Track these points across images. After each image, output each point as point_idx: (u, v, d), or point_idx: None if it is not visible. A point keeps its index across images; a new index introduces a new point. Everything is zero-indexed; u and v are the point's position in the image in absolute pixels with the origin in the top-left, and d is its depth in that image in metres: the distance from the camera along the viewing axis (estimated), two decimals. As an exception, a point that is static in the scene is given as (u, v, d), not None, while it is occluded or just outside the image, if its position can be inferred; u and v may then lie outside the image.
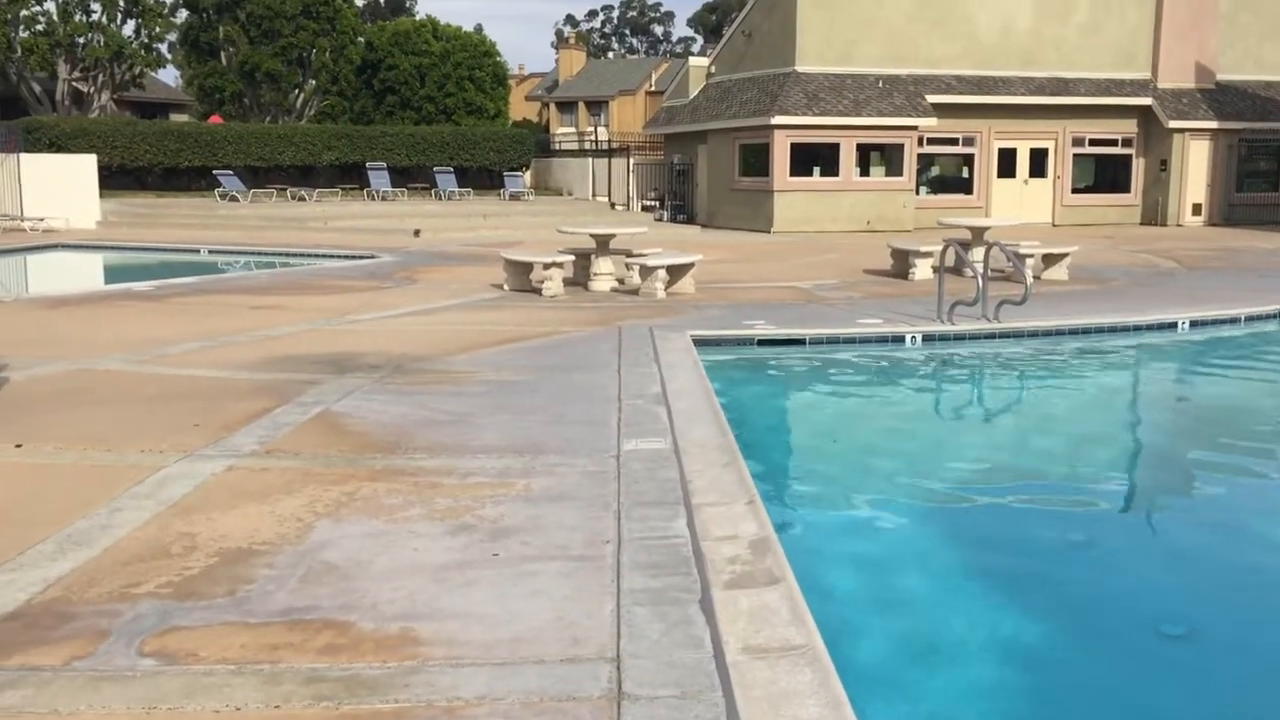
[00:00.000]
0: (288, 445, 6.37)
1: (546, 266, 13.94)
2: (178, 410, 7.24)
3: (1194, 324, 12.05)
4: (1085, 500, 6.84)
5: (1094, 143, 30.23)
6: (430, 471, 5.85)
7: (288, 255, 20.88)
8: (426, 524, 4.98)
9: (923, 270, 15.85)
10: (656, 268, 13.78)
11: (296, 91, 40.49)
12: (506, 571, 4.41)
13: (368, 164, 33.74)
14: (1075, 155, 30.16)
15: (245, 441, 6.41)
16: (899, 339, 10.97)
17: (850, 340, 10.91)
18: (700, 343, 10.29)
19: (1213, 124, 29.59)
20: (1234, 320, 12.33)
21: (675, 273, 14.16)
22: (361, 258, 19.77)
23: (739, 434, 7.12)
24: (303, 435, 6.62)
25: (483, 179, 35.98)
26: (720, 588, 4.09)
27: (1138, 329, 11.84)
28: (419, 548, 4.68)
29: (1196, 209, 30.09)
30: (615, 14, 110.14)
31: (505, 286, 14.57)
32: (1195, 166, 29.91)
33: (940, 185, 29.80)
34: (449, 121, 38.40)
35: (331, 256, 20.28)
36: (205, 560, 4.53)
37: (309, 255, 20.66)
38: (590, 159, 36.69)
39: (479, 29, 47.37)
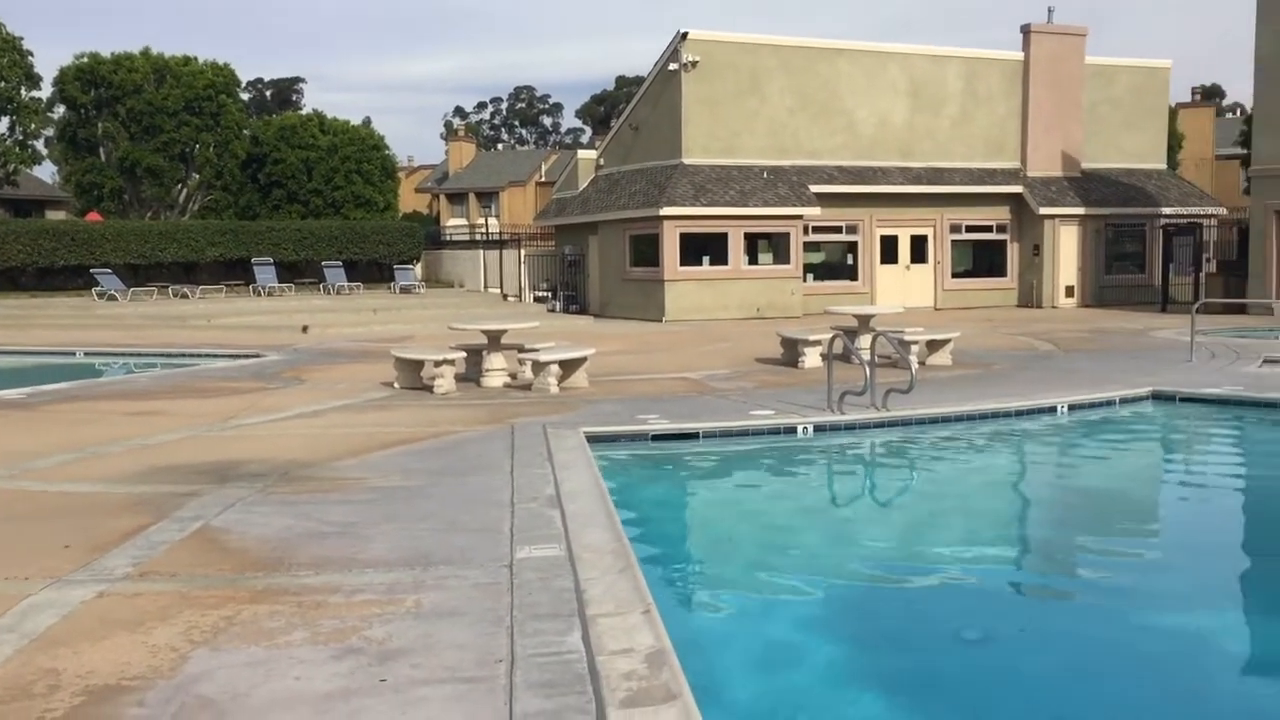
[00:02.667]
0: (164, 566, 6.09)
1: (438, 364, 13.79)
2: (46, 530, 6.89)
3: (1072, 407, 12.42)
4: (983, 587, 6.90)
5: (970, 229, 31.34)
6: (315, 590, 5.64)
7: (169, 356, 20.31)
8: (310, 649, 4.77)
9: (812, 358, 16.10)
10: (549, 363, 13.73)
11: (179, 186, 39.87)
12: (394, 699, 4.23)
13: (254, 259, 33.23)
14: (953, 241, 31.22)
15: (118, 563, 6.11)
16: (791, 430, 11.06)
17: (744, 433, 10.96)
18: (594, 439, 10.23)
19: (1080, 210, 30.97)
20: (1109, 403, 12.74)
21: (568, 367, 14.13)
22: (247, 357, 19.32)
23: (635, 534, 7.05)
24: (180, 554, 6.34)
25: (373, 272, 35.70)
26: (615, 707, 3.98)
27: (1020, 414, 12.15)
28: (301, 675, 4.47)
29: (1069, 291, 31.30)
30: (504, 105, 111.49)
31: (396, 384, 14.35)
32: (1066, 251, 31.19)
33: (827, 271, 30.50)
34: (337, 215, 38.14)
35: (215, 356, 19.78)
36: (70, 700, 4.26)
37: (191, 355, 20.12)
38: (482, 250, 36.74)
39: (367, 122, 47.48)
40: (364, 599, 5.47)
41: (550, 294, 33.26)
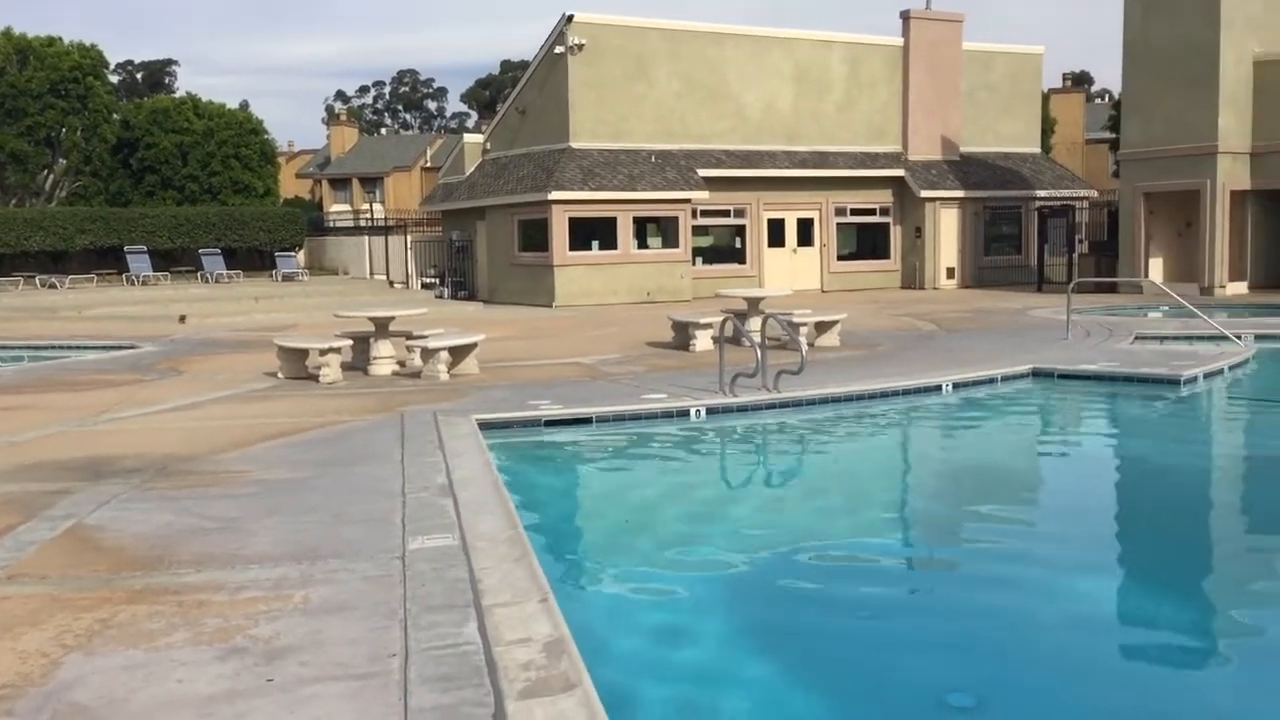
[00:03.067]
0: (33, 568, 5.79)
1: (323, 352, 13.45)
2: (-98, 534, 6.49)
3: (957, 385, 12.69)
4: (875, 564, 6.98)
5: (855, 212, 31.86)
6: (197, 588, 5.42)
7: (37, 349, 19.44)
8: (192, 650, 4.57)
9: (703, 341, 16.16)
10: (438, 349, 13.50)
11: (45, 173, 38.18)
12: (282, 699, 4.07)
13: (126, 248, 32.05)
14: (839, 224, 31.70)
15: (-18, 567, 5.79)
16: (684, 413, 11.06)
17: (637, 416, 10.92)
18: (486, 426, 10.09)
19: (960, 193, 31.71)
20: (992, 380, 13.06)
21: (458, 353, 13.92)
22: (121, 348, 18.61)
23: (530, 522, 6.96)
24: (51, 554, 6.04)
25: (253, 260, 34.75)
26: (514, 698, 3.89)
27: (907, 393, 12.36)
28: (183, 678, 4.28)
29: (950, 272, 32.05)
30: (387, 90, 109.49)
31: (280, 375, 13.96)
32: (946, 233, 31.92)
33: (715, 255, 30.70)
34: (215, 201, 36.98)
35: (87, 348, 19.00)
36: (-70, 714, 4.00)
37: (62, 347, 19.30)
38: (367, 237, 36.05)
39: (244, 105, 46.08)
40: (249, 596, 5.27)
41: (438, 280, 32.82)
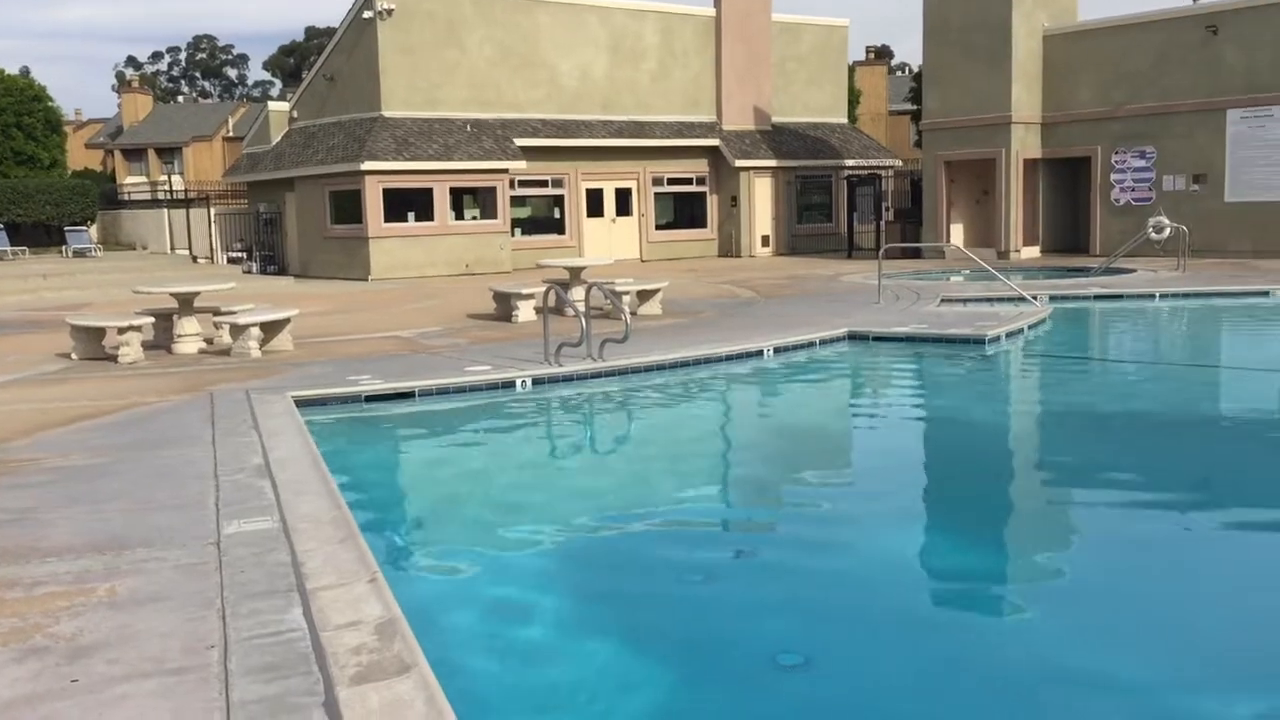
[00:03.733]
0: None
1: (122, 330, 12.67)
2: None
3: (777, 350, 12.93)
4: (704, 529, 7.02)
5: (672, 181, 32.12)
6: (-13, 587, 4.99)
7: None
8: (-16, 654, 4.19)
9: (525, 312, 15.98)
10: (249, 325, 12.91)
11: None
12: (89, 700, 3.77)
13: (-106, 223, 29.50)
14: (656, 194, 31.90)
15: None
16: (509, 384, 10.90)
17: (461, 389, 10.71)
18: (303, 404, 9.70)
19: (773, 162, 32.35)
20: (810, 344, 13.36)
21: (271, 329, 13.35)
22: (-109, 332, 17.12)
23: (355, 501, 6.70)
24: None
25: (39, 235, 32.56)
26: (346, 685, 3.71)
27: (729, 358, 12.52)
28: (-25, 686, 3.91)
29: (765, 240, 32.72)
30: (183, 56, 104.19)
31: (74, 355, 13.09)
32: (761, 202, 32.54)
33: (535, 226, 30.46)
34: (-5, 173, 34.39)
35: None
36: None
37: None
38: (166, 210, 34.22)
39: (25, 72, 43.02)
40: (48, 591, 4.88)
41: (245, 255, 31.46)
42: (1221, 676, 4.69)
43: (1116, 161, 26.71)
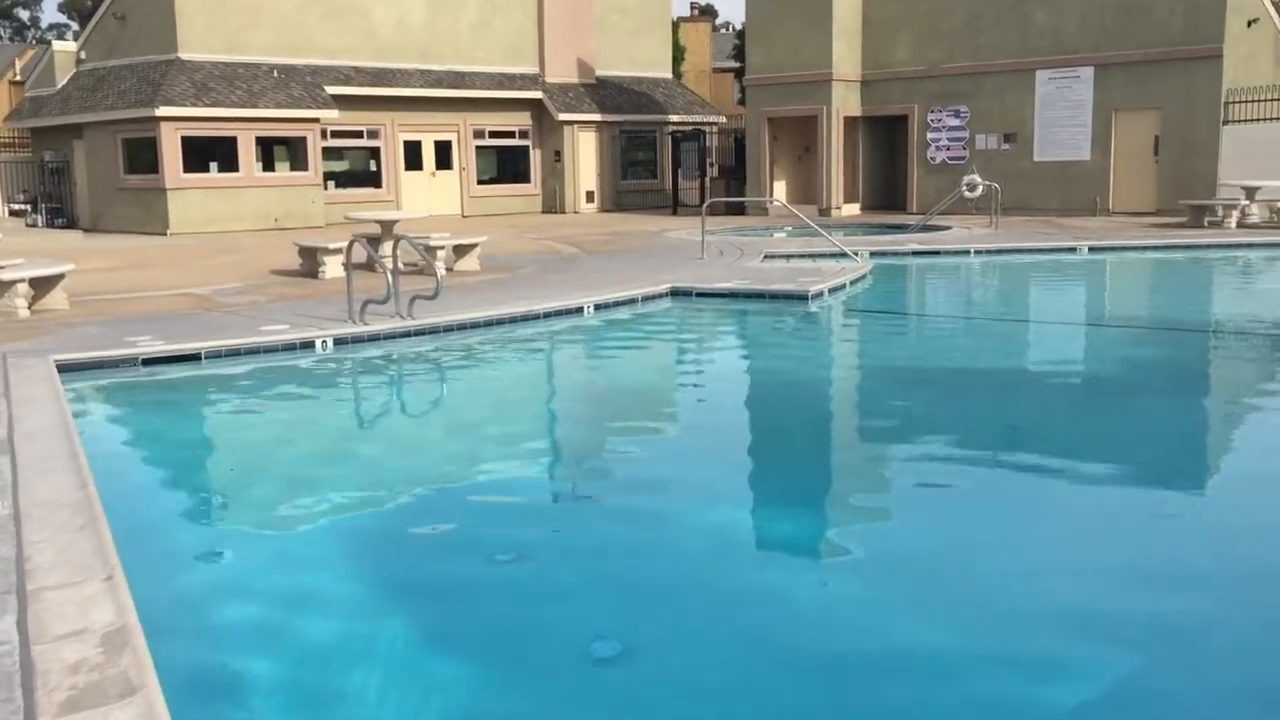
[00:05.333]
0: None
1: None
2: None
3: (598, 306, 12.44)
4: (516, 503, 6.48)
5: (494, 135, 31.18)
6: None
7: None
8: None
9: (333, 268, 15.03)
10: (14, 281, 11.64)
11: None
12: None
13: None
14: (478, 147, 30.92)
15: None
16: (308, 345, 10.08)
17: (254, 351, 9.82)
18: (69, 369, 8.69)
19: (597, 116, 31.75)
20: (632, 301, 12.91)
21: (42, 286, 12.10)
22: None
23: (112, 481, 5.88)
24: None
25: None
26: (51, 714, 3.02)
27: (548, 315, 11.96)
28: None
29: (590, 196, 32.17)
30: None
31: None
32: (585, 157, 31.94)
33: (350, 179, 29.10)
34: None
35: None
36: None
37: None
38: (-62, 158, 31.28)
39: None
40: None
41: (30, 207, 29.05)
42: (1039, 639, 4.45)
43: (932, 120, 27.17)
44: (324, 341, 10.15)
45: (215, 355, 9.61)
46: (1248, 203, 21.03)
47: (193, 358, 9.51)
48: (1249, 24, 23.68)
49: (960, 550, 5.48)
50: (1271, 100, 23.27)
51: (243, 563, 5.44)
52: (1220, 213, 20.88)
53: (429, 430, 8.48)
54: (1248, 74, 23.65)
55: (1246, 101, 23.05)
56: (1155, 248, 18.56)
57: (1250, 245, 18.80)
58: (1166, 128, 23.63)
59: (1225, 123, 22.93)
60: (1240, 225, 20.72)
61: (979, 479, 6.82)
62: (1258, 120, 23.11)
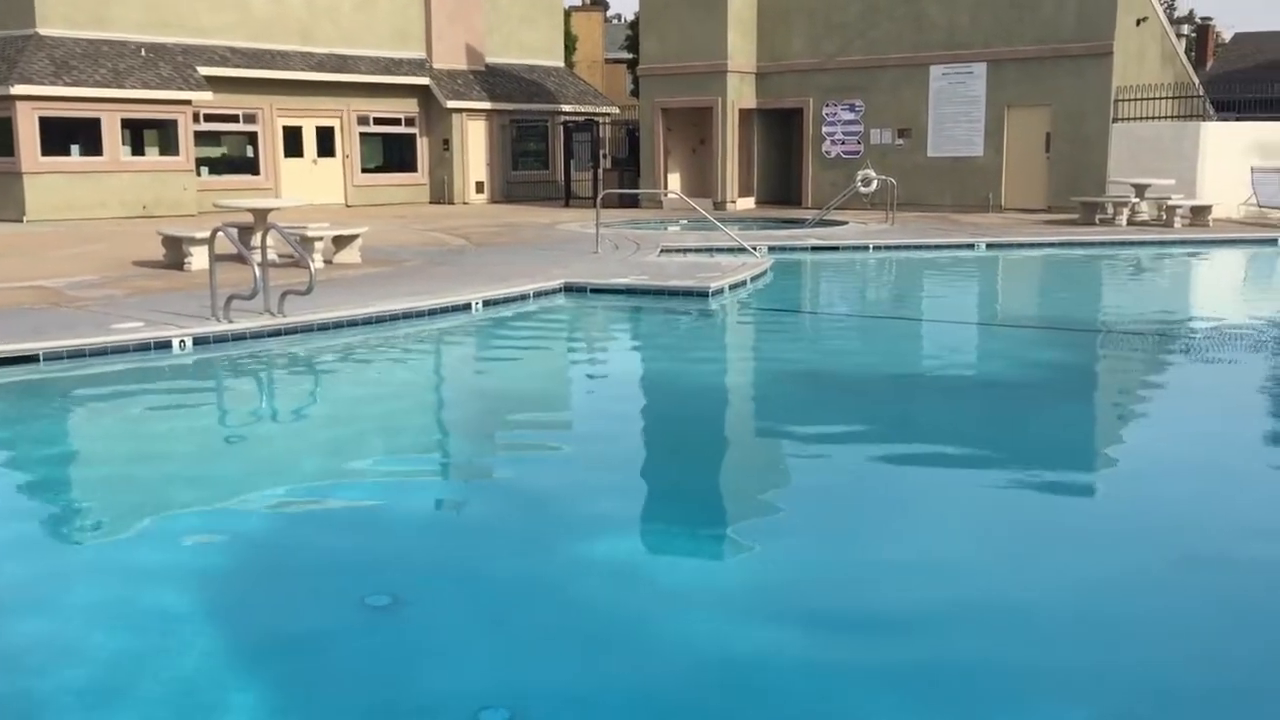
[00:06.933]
0: None
1: None
2: None
3: (488, 303, 11.69)
4: (391, 518, 5.73)
5: (379, 121, 30.03)
6: None
7: None
8: None
9: (200, 260, 13.95)
10: None
11: None
12: None
13: None
14: (362, 134, 29.72)
15: None
16: (164, 344, 9.15)
17: (100, 352, 8.86)
18: (-121, 374, 7.64)
19: (487, 104, 30.82)
20: (524, 297, 12.20)
21: None
22: None
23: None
24: None
25: None
26: None
27: (434, 313, 11.17)
28: None
29: (480, 186, 31.24)
30: None
31: None
32: (475, 146, 31.00)
33: (226, 165, 27.69)
34: None
35: None
36: None
37: None
38: None
39: None
40: None
41: (-128, 191, 26.95)
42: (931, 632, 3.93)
43: (827, 114, 26.94)
44: (182, 341, 9.23)
45: (55, 357, 8.63)
46: (1137, 200, 21.20)
47: (29, 359, 8.52)
48: (1138, 22, 23.91)
49: (854, 553, 5.14)
50: (1160, 99, 23.57)
51: (56, 590, 4.61)
52: (1111, 210, 21.01)
53: (291, 443, 7.61)
54: (1137, 72, 23.92)
55: (1136, 100, 23.28)
56: (1051, 245, 18.51)
57: (1142, 243, 18.91)
58: (1058, 124, 23.75)
59: (1115, 120, 23.13)
60: (1131, 223, 20.87)
61: (882, 479, 6.44)
62: (1147, 119, 23.37)
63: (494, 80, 31.60)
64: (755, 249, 16.17)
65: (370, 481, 6.50)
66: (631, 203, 27.66)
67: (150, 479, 6.47)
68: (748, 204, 27.88)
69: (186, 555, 5.22)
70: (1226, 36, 51.63)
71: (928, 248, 18.10)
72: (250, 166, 27.87)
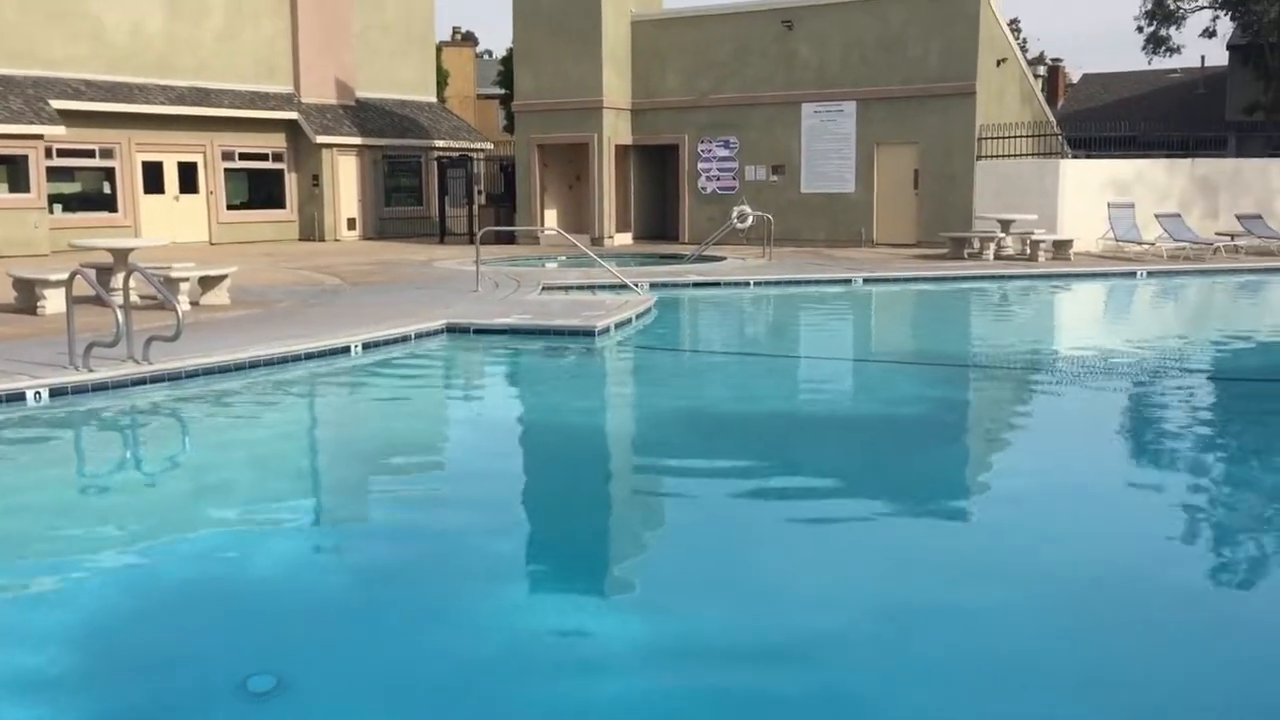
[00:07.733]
0: None
1: None
2: None
3: (367, 345, 11.28)
4: (259, 580, 5.34)
5: (244, 156, 29.14)
6: None
7: None
8: None
9: (55, 303, 13.16)
10: None
11: None
12: None
13: None
14: (227, 170, 28.79)
15: None
16: (17, 397, 8.52)
17: (-56, 407, 8.19)
18: None
19: (357, 140, 30.21)
20: (405, 338, 11.81)
21: None
22: None
23: None
24: None
25: None
26: None
27: (310, 356, 10.71)
28: None
29: (351, 223, 30.55)
30: None
31: None
32: (346, 182, 30.33)
33: (81, 202, 26.47)
34: None
35: None
36: None
37: None
38: None
39: None
40: None
41: None
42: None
43: (703, 150, 27.14)
44: (37, 393, 8.61)
45: (-108, 414, 7.94)
46: (1003, 235, 21.83)
47: None
48: (998, 63, 24.73)
49: (735, 589, 5.23)
50: (1021, 136, 24.39)
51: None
52: (978, 245, 21.59)
53: (158, 501, 7.10)
54: (998, 111, 24.71)
55: (998, 138, 24.05)
56: (925, 279, 18.88)
57: (1009, 276, 19.43)
58: (925, 162, 24.37)
59: (979, 157, 23.83)
60: (997, 257, 21.48)
61: (764, 515, 6.54)
62: (1008, 156, 24.15)
63: (365, 115, 31.03)
64: (638, 285, 16.06)
65: (231, 543, 6.07)
66: (508, 239, 27.38)
67: None
68: (625, 239, 27.85)
69: (34, 631, 4.76)
70: (1075, 77, 54.13)
71: (807, 283, 18.26)
72: (108, 203, 26.71)
